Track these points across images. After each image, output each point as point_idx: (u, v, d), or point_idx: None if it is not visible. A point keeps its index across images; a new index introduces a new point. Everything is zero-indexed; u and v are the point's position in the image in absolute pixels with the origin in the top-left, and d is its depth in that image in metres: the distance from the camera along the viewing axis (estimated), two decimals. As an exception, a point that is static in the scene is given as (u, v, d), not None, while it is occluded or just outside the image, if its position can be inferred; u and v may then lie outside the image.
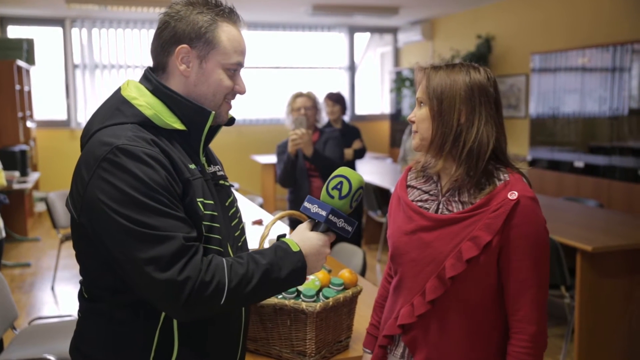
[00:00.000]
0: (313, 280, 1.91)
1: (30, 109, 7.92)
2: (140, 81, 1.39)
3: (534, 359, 1.43)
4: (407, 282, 1.53)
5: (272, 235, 2.06)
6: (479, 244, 1.40)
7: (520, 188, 1.43)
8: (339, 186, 1.41)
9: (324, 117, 4.15)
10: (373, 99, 10.56)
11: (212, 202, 1.36)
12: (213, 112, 1.37)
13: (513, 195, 1.41)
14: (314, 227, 1.42)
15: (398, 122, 9.33)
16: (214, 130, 1.45)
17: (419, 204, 1.55)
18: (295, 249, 1.35)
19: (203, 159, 1.43)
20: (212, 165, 1.48)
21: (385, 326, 1.59)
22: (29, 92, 7.86)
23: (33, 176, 6.96)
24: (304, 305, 1.81)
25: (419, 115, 1.50)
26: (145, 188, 1.21)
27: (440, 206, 1.51)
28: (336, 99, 4.99)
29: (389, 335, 1.57)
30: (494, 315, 1.47)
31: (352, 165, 4.91)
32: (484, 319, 1.47)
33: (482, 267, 1.42)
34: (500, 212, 1.40)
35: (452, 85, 1.45)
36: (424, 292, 1.47)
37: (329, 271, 2.07)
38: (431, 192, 1.55)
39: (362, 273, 3.03)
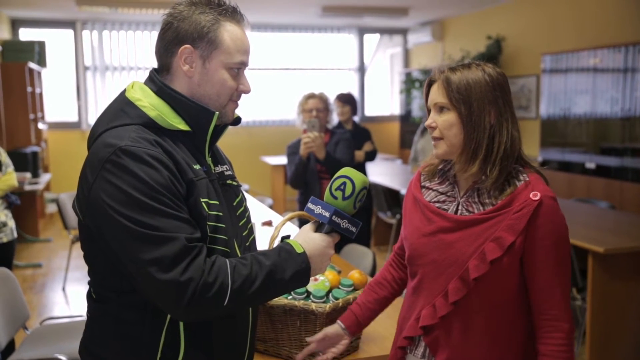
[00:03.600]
0: (323, 281, 1.91)
1: (42, 110, 7.97)
2: (145, 82, 1.39)
3: (570, 355, 1.43)
4: (427, 284, 1.52)
5: (282, 236, 2.06)
6: (502, 245, 1.40)
7: (542, 188, 1.44)
8: (342, 187, 1.40)
9: (335, 118, 4.15)
10: (383, 100, 10.54)
11: (217, 202, 1.35)
12: (217, 112, 1.37)
13: (536, 195, 1.41)
14: (318, 228, 1.42)
15: (408, 123, 9.31)
16: (220, 130, 1.44)
17: (437, 205, 1.54)
18: (299, 250, 1.35)
19: (209, 159, 1.42)
20: (219, 165, 1.47)
21: (404, 327, 1.58)
22: (41, 94, 7.92)
23: (44, 177, 7.00)
24: (313, 306, 1.81)
25: (443, 121, 1.47)
26: (148, 189, 1.21)
27: (460, 207, 1.50)
28: (346, 100, 4.98)
29: (409, 336, 1.56)
30: (514, 315, 1.48)
31: (362, 168, 4.90)
32: (505, 319, 1.47)
33: (504, 268, 1.42)
34: (524, 212, 1.41)
35: (476, 87, 1.44)
36: (447, 294, 1.46)
37: (339, 272, 2.07)
38: (448, 193, 1.54)
39: (372, 274, 3.02)
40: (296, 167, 3.71)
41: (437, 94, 1.48)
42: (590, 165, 5.70)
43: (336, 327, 1.71)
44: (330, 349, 1.71)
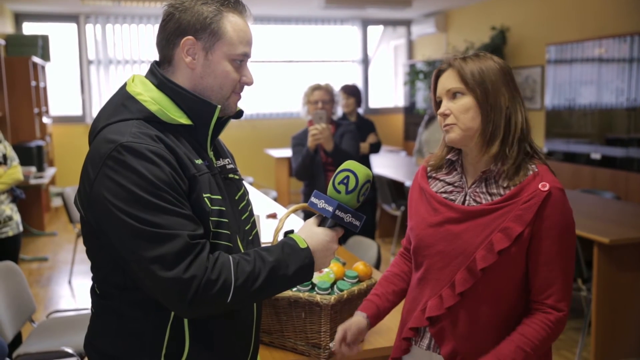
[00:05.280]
0: (327, 273, 1.91)
1: (46, 104, 7.98)
2: (146, 76, 1.38)
3: (548, 335, 1.43)
4: (434, 274, 1.52)
5: (286, 228, 2.06)
6: (510, 235, 1.40)
7: (551, 179, 1.44)
8: (345, 181, 1.39)
9: (339, 110, 4.12)
10: (387, 92, 10.52)
11: (219, 197, 1.35)
12: (219, 106, 1.35)
13: (545, 186, 1.41)
14: (322, 223, 1.41)
15: (412, 115, 9.28)
16: (222, 124, 1.43)
17: (444, 195, 1.54)
18: (302, 245, 1.34)
19: (211, 153, 1.41)
20: (221, 159, 1.46)
21: (409, 318, 1.58)
22: (45, 88, 7.93)
23: (49, 171, 7.02)
24: (318, 297, 1.81)
25: (457, 106, 1.47)
26: (150, 186, 1.20)
27: (467, 197, 1.50)
28: (350, 92, 4.97)
29: (415, 327, 1.56)
30: (521, 306, 1.48)
31: (367, 159, 4.91)
32: (512, 310, 1.47)
33: (512, 258, 1.42)
34: (532, 203, 1.41)
35: (489, 70, 1.45)
36: (453, 284, 1.46)
37: (344, 264, 2.07)
38: (456, 184, 1.54)
39: (377, 266, 3.03)
40: (303, 159, 3.69)
41: (450, 81, 1.48)
42: (596, 155, 5.68)
43: (360, 320, 1.63)
44: (356, 343, 1.63)
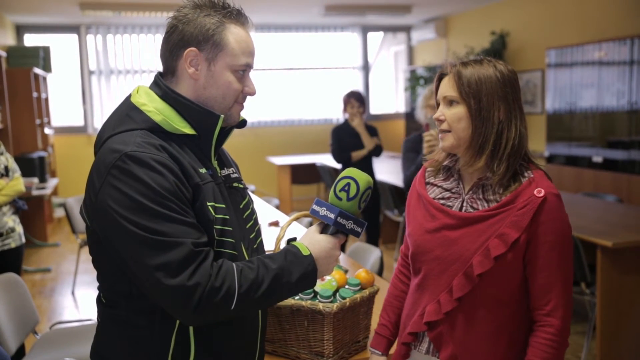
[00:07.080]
0: (330, 281, 1.91)
1: (48, 115, 8.00)
2: (150, 87, 1.40)
3: (556, 352, 1.43)
4: (432, 280, 1.52)
5: (289, 236, 2.06)
6: (506, 242, 1.41)
7: (546, 185, 1.44)
8: (346, 188, 1.40)
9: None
10: (387, 98, 10.53)
11: (223, 205, 1.36)
12: (222, 116, 1.37)
13: (540, 192, 1.42)
14: (324, 230, 1.42)
15: (413, 120, 9.28)
16: (225, 133, 1.45)
17: (441, 201, 1.55)
18: (305, 252, 1.35)
19: (215, 163, 1.43)
20: (225, 168, 1.48)
21: (409, 323, 1.59)
22: (46, 99, 7.95)
23: (52, 182, 7.03)
24: (321, 306, 1.80)
25: (451, 114, 1.47)
26: (154, 194, 1.21)
27: (465, 204, 1.51)
28: (362, 100, 5.10)
29: (414, 332, 1.57)
30: (519, 311, 1.48)
31: (370, 165, 5.02)
32: (510, 315, 1.47)
33: (509, 264, 1.42)
34: (528, 209, 1.41)
35: (487, 82, 1.44)
36: (451, 290, 1.47)
37: (346, 271, 2.07)
38: (453, 190, 1.55)
39: (379, 272, 3.02)
40: (417, 168, 3.44)
41: (447, 87, 1.49)
42: (597, 159, 5.67)
43: (375, 358, 1.71)
44: None
